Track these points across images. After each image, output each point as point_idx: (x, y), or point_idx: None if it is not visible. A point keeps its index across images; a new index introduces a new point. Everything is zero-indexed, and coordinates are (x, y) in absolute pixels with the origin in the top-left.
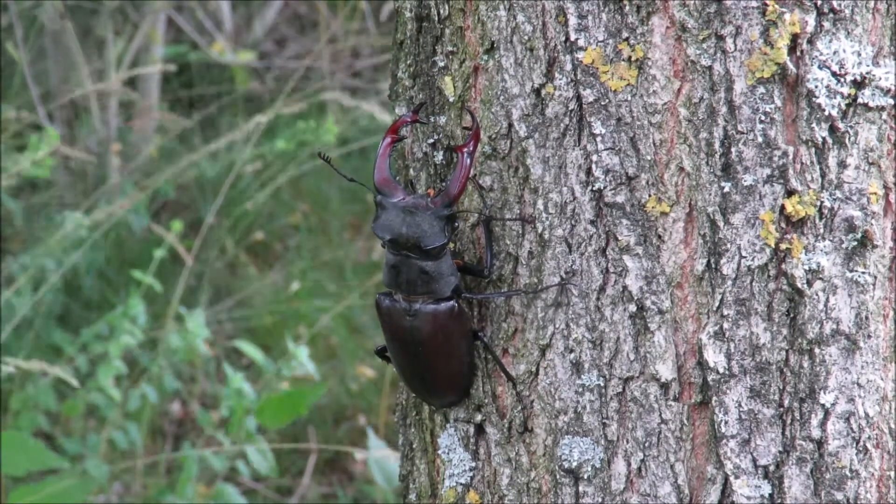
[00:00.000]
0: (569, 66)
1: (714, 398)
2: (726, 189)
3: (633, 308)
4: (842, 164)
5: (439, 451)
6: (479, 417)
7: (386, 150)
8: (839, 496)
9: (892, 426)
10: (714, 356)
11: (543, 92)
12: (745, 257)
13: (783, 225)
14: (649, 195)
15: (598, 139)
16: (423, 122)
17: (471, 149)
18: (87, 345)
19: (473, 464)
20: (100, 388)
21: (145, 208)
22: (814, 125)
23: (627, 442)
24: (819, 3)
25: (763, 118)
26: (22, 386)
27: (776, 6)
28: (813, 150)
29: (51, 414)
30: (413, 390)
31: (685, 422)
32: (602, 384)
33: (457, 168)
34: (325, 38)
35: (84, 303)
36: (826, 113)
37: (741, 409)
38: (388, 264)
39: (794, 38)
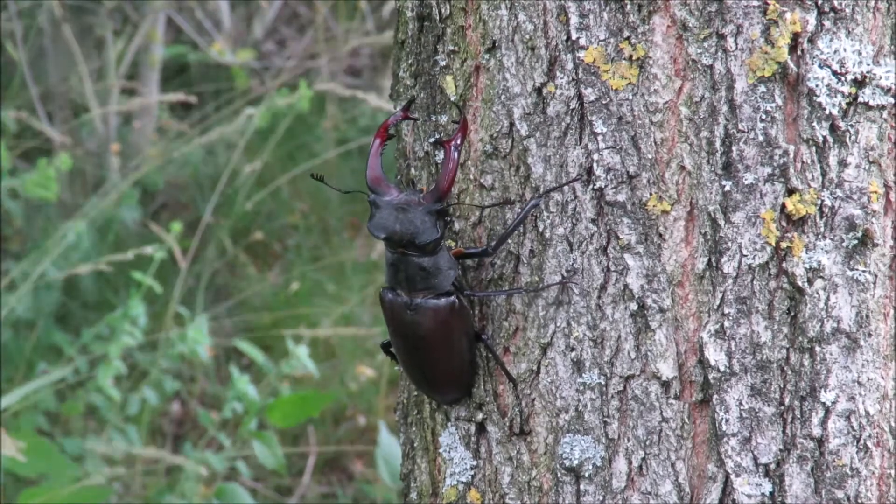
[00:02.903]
0: (570, 65)
1: (715, 396)
2: (727, 188)
3: (634, 306)
4: (842, 163)
5: (440, 450)
6: (480, 416)
7: (377, 149)
8: (840, 494)
9: (893, 424)
10: (715, 354)
11: (545, 91)
12: (745, 256)
13: (784, 223)
14: (650, 194)
15: (600, 138)
16: (414, 118)
17: (458, 142)
18: (87, 345)
19: (474, 462)
20: (99, 389)
21: (136, 201)
22: (814, 124)
23: (628, 440)
24: (820, 2)
25: (764, 117)
26: (22, 386)
27: (777, 5)
28: (814, 148)
29: (50, 414)
30: (416, 385)
31: (686, 420)
32: (603, 382)
33: (445, 162)
34: (323, 37)
35: (83, 303)
36: (827, 112)
37: (742, 408)
38: (387, 262)
39: (795, 37)
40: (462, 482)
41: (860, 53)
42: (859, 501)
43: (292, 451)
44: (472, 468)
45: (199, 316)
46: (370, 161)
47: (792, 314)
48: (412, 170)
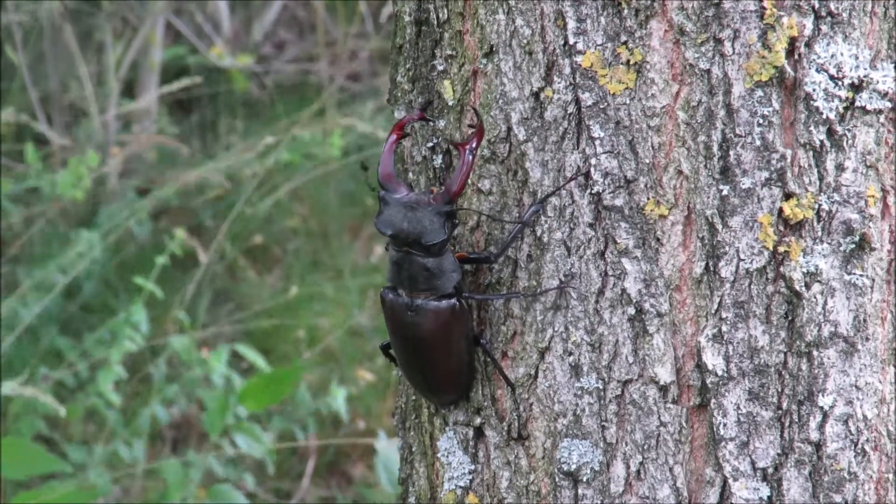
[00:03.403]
0: (567, 70)
1: (713, 401)
2: (724, 192)
3: (631, 311)
4: (839, 167)
5: (438, 455)
6: (478, 420)
7: (391, 146)
8: (837, 498)
9: (891, 428)
10: (713, 359)
11: (542, 95)
12: (743, 260)
13: (781, 228)
14: (648, 198)
15: (597, 142)
16: (430, 119)
17: (473, 146)
18: (88, 350)
19: (473, 467)
20: (99, 393)
21: (147, 216)
22: (812, 128)
23: (626, 444)
24: (817, 6)
25: (761, 121)
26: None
27: (774, 10)
28: (811, 153)
29: (50, 418)
30: (413, 386)
31: (684, 424)
32: (601, 387)
33: (458, 165)
34: (322, 41)
35: (84, 307)
36: (824, 116)
37: (740, 412)
38: (391, 260)
39: (792, 42)
40: (460, 486)
41: (857, 58)
42: None
43: (292, 453)
44: (470, 472)
45: (223, 346)
46: (383, 157)
47: (789, 318)
48: (409, 174)
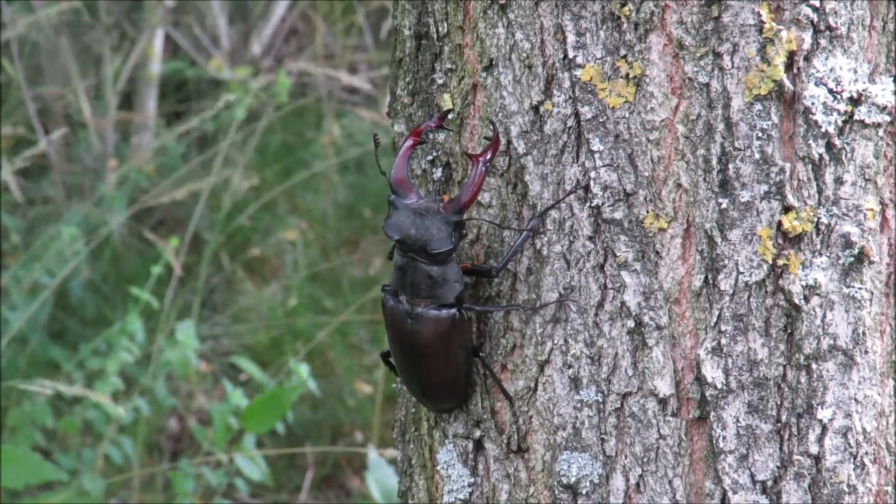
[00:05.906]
0: (567, 84)
1: (712, 413)
2: (724, 205)
3: (631, 324)
4: (838, 181)
5: (438, 467)
6: (477, 433)
7: (406, 151)
8: None
9: (890, 441)
10: (712, 371)
11: (542, 109)
12: (742, 273)
13: (780, 241)
14: (647, 211)
15: (596, 156)
16: (449, 129)
17: (487, 158)
18: (84, 361)
19: (472, 479)
20: (97, 405)
21: (122, 203)
22: (811, 142)
23: (626, 457)
24: (816, 20)
25: (760, 135)
26: (19, 403)
27: (773, 24)
28: (810, 166)
29: (47, 430)
30: (411, 392)
31: (683, 437)
32: (600, 400)
33: (470, 176)
34: (321, 53)
35: (81, 319)
36: (823, 130)
37: (739, 425)
38: (395, 265)
39: (791, 56)
40: (460, 499)
41: (856, 71)
42: None
43: (290, 466)
44: (469, 485)
45: (187, 321)
46: (397, 162)
47: (788, 331)
48: None
